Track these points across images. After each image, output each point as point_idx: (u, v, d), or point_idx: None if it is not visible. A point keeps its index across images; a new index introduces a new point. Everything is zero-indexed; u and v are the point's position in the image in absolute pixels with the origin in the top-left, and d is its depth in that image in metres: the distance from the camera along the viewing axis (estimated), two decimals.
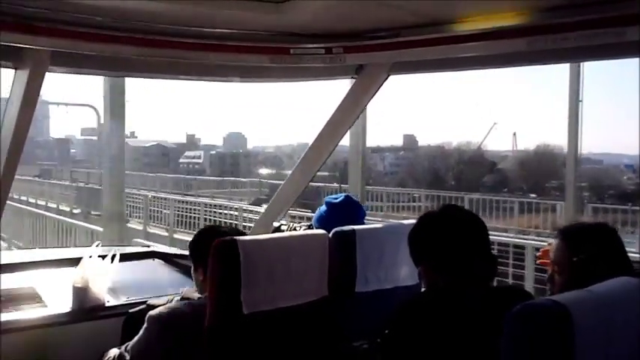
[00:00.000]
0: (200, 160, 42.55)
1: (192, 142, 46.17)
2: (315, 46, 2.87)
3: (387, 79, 3.12)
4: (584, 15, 2.33)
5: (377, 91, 3.17)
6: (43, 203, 21.98)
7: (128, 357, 2.31)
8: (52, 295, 3.01)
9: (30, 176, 27.60)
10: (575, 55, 2.65)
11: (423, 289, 2.10)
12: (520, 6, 2.41)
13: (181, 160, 42.59)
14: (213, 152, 44.13)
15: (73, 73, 2.80)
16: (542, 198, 19.91)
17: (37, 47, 2.38)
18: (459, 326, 1.80)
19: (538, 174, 28.53)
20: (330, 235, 2.58)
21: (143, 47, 2.55)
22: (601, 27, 2.31)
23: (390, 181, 28.48)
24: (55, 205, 21.14)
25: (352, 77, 3.12)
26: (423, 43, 2.73)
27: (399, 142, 39.32)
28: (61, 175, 31.61)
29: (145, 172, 31.39)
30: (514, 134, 34.26)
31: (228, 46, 2.71)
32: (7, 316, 2.70)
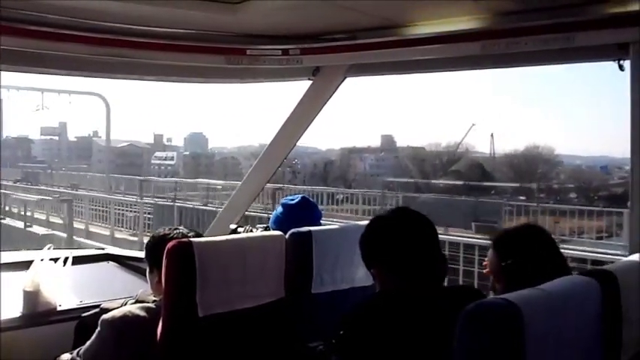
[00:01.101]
0: (173, 162, 40.92)
1: (159, 143, 44.60)
2: (271, 47, 2.87)
3: (343, 80, 3.14)
4: (536, 20, 2.39)
5: (334, 93, 3.19)
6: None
7: None
8: (2, 300, 2.93)
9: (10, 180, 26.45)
10: (527, 59, 2.71)
11: (377, 290, 2.12)
12: (475, 10, 2.46)
13: (153, 162, 40.94)
14: (187, 153, 42.75)
15: (23, 72, 2.73)
16: (531, 200, 19.48)
17: None
18: (412, 327, 1.82)
19: (527, 176, 27.99)
20: (287, 236, 2.58)
21: (96, 46, 2.51)
22: (552, 32, 2.38)
23: (373, 183, 27.82)
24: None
25: (309, 79, 3.13)
26: (379, 45, 2.76)
27: (376, 142, 38.65)
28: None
29: (119, 173, 30.18)
30: (492, 135, 33.85)
31: (184, 46, 2.69)
32: None
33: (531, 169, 29.52)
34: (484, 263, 2.48)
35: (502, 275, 2.23)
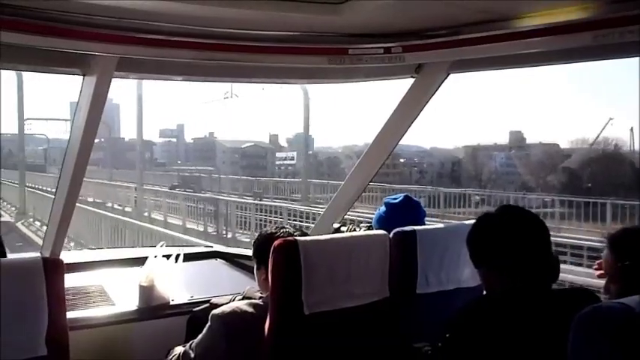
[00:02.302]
0: (293, 162, 40.40)
1: (275, 143, 44.38)
2: (373, 46, 2.86)
3: (447, 77, 3.08)
4: None
5: (437, 90, 3.13)
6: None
7: (193, 355, 2.36)
8: (119, 294, 3.10)
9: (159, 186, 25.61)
10: None
11: (484, 292, 2.07)
12: None
13: (276, 162, 40.48)
14: (310, 152, 42.60)
15: (138, 78, 2.89)
16: None
17: (105, 54, 2.46)
18: (520, 331, 1.76)
19: None
20: (391, 235, 2.56)
21: (204, 51, 2.60)
22: None
23: (507, 184, 25.88)
24: None
25: (411, 76, 3.10)
26: (483, 40, 2.68)
27: (503, 139, 36.69)
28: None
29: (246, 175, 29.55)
30: (631, 130, 31.05)
31: (288, 48, 2.73)
32: (77, 314, 2.80)
33: None
34: (597, 262, 2.37)
35: (618, 276, 2.10)
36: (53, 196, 2.92)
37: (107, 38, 2.40)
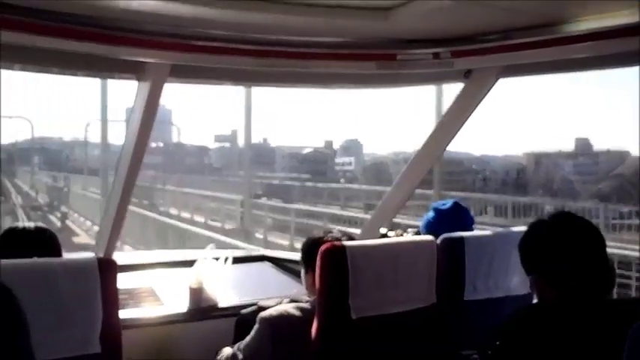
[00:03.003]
0: (351, 167, 39.16)
1: (330, 149, 43.22)
2: (422, 51, 2.85)
3: (496, 82, 3.05)
4: None
5: (486, 95, 3.11)
6: None
7: (240, 356, 2.39)
8: (169, 295, 3.16)
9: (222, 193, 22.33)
10: None
11: (535, 300, 2.04)
12: (633, 4, 2.29)
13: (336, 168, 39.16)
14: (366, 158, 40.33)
15: (190, 84, 2.95)
16: None
17: (158, 61, 2.53)
18: (573, 341, 1.73)
19: None
20: (438, 241, 2.55)
21: (254, 58, 2.64)
22: None
23: (577, 193, 23.50)
24: None
25: (460, 82, 3.08)
26: (533, 45, 2.65)
27: (568, 146, 35.19)
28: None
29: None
30: None
31: (336, 54, 2.75)
32: (128, 313, 2.87)
33: None
34: None
35: None
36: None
37: (160, 46, 2.46)
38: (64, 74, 2.70)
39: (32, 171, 39.91)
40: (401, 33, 2.74)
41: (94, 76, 2.71)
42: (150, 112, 2.64)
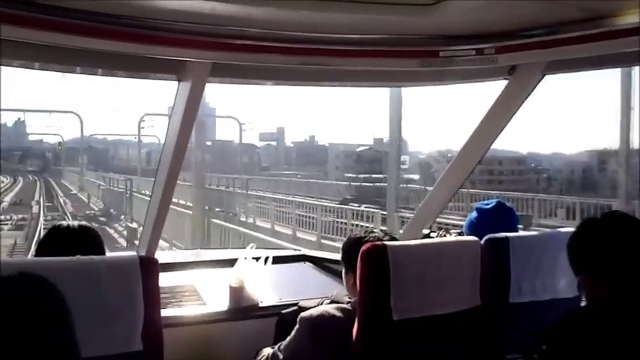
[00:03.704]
0: (406, 167, 36.12)
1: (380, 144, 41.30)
2: (465, 47, 2.79)
3: (542, 78, 2.97)
4: None
5: (531, 92, 3.03)
6: None
7: (281, 356, 2.38)
8: (210, 294, 3.18)
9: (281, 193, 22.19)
10: None
11: (583, 302, 1.98)
12: None
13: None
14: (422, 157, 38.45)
15: (230, 83, 2.95)
16: None
17: (199, 60, 2.53)
18: (624, 344, 1.66)
19: None
20: (482, 242, 2.50)
21: (295, 56, 2.62)
22: None
23: None
24: None
25: (504, 78, 3.00)
26: (581, 39, 2.56)
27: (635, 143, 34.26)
28: None
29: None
30: None
31: (378, 51, 2.70)
32: (169, 312, 2.89)
33: None
34: None
35: None
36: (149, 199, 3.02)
37: (201, 45, 2.47)
38: (107, 75, 2.74)
39: (81, 172, 39.16)
40: (444, 29, 2.68)
41: (136, 77, 2.72)
42: (191, 111, 2.65)
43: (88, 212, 29.84)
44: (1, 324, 1.12)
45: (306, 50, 2.62)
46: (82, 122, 39.79)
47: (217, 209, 23.11)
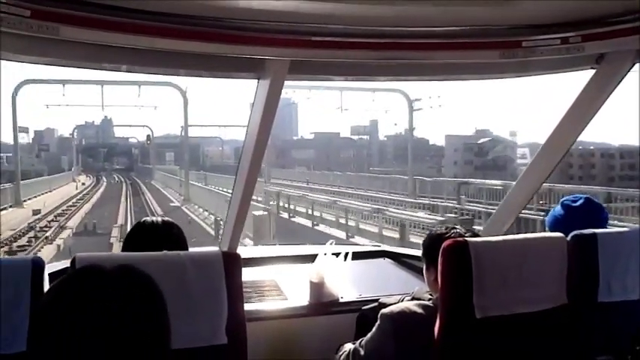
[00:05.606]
0: (526, 160, 34.81)
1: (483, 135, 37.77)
2: (549, 37, 2.69)
3: (632, 67, 2.83)
4: None
5: (620, 82, 2.89)
6: None
7: (362, 352, 2.38)
8: (291, 289, 3.22)
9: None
10: None
11: None
12: None
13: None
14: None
15: (307, 80, 2.97)
16: None
17: (277, 58, 2.56)
18: None
19: None
20: (568, 238, 2.41)
21: (373, 51, 2.60)
22: None
23: None
24: None
25: (591, 68, 2.88)
26: None
27: None
28: None
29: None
30: None
31: (457, 43, 2.65)
32: (252, 306, 2.94)
33: None
34: None
35: None
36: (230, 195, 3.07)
37: (280, 43, 2.50)
38: (191, 76, 2.82)
39: (186, 176, 35.75)
40: (526, 18, 2.60)
41: (218, 77, 2.78)
42: (270, 109, 2.69)
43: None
44: (106, 314, 1.18)
45: (384, 45, 2.60)
46: (186, 113, 37.08)
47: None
